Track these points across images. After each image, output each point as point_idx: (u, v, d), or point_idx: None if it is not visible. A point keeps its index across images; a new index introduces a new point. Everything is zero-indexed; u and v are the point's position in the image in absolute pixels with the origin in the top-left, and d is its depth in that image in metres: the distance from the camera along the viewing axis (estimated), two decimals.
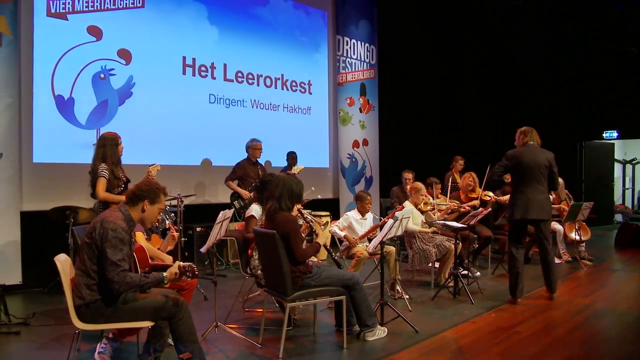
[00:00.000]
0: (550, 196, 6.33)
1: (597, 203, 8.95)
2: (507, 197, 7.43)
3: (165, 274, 3.31)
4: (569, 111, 12.62)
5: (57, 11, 6.63)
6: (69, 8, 6.71)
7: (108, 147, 5.10)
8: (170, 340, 3.57)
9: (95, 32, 6.96)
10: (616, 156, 14.60)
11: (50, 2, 6.56)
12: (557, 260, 8.16)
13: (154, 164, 5.37)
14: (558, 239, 8.19)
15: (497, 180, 6.05)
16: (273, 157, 8.76)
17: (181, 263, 3.36)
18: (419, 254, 6.23)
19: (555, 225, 8.25)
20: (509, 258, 5.80)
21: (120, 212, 3.35)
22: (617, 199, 14.94)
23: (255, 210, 5.25)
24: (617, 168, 15.03)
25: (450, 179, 8.79)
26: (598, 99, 12.41)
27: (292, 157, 8.33)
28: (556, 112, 12.51)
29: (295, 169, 7.61)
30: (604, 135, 13.16)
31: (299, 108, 9.78)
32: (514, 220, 5.75)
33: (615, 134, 13.00)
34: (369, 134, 10.81)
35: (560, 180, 8.49)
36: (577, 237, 8.04)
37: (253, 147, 7.69)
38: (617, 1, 11.73)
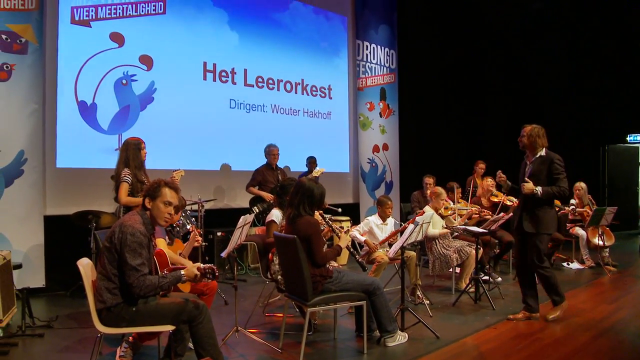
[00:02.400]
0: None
1: (621, 208, 8.80)
2: None
3: (183, 271, 3.33)
4: (592, 114, 12.44)
5: (81, 19, 6.74)
6: (92, 16, 6.82)
7: (131, 152, 5.13)
8: (190, 344, 3.59)
9: (118, 38, 7.06)
10: None
11: (75, 10, 6.67)
12: (580, 266, 8.07)
13: (178, 170, 5.40)
14: (581, 244, 8.08)
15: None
16: (293, 161, 8.77)
17: (201, 265, 3.37)
18: (440, 259, 6.18)
19: (578, 230, 8.14)
20: (549, 272, 5.19)
21: (138, 216, 3.37)
22: None
23: (275, 215, 5.25)
24: None
25: (472, 183, 8.71)
26: (622, 102, 12.23)
27: (311, 162, 8.33)
28: (579, 116, 12.33)
29: (316, 172, 7.59)
30: (628, 138, 12.95)
31: (319, 113, 9.79)
32: (551, 234, 5.25)
33: (639, 138, 12.79)
34: (389, 139, 10.77)
35: (583, 184, 8.42)
36: (601, 243, 7.91)
37: (269, 153, 7.74)
38: None
